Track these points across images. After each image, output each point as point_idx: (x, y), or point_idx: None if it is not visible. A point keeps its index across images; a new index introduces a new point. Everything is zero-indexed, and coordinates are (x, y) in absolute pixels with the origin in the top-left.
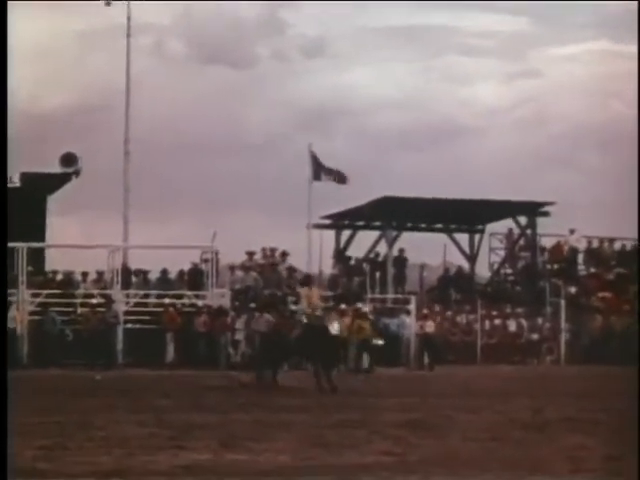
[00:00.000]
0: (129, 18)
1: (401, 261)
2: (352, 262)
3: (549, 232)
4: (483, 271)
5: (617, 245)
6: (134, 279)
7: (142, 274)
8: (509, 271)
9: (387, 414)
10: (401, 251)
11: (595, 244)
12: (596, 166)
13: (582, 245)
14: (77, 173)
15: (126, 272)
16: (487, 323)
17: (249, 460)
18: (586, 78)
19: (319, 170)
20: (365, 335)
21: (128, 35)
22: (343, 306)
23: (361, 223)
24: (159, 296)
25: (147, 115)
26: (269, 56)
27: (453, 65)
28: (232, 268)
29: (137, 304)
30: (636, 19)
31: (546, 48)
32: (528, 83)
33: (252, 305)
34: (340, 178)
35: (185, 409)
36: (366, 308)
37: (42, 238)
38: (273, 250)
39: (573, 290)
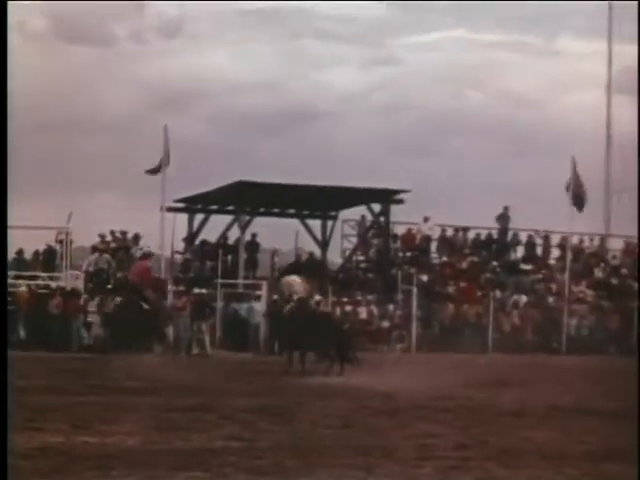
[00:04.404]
0: None
1: (253, 246)
2: (204, 246)
3: (404, 220)
4: (335, 258)
5: (471, 234)
6: None
7: None
8: (361, 258)
9: (237, 399)
10: (253, 236)
11: (450, 232)
12: (452, 154)
13: (435, 233)
14: None
15: None
16: (338, 310)
17: (99, 443)
18: (444, 66)
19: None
20: None
21: None
22: None
23: (214, 207)
24: (13, 277)
25: (8, 93)
26: (127, 36)
27: (311, 49)
28: (85, 250)
29: None
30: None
31: (405, 35)
32: (386, 70)
33: (105, 287)
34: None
35: (38, 391)
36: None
37: None
38: (124, 233)
39: (425, 278)
